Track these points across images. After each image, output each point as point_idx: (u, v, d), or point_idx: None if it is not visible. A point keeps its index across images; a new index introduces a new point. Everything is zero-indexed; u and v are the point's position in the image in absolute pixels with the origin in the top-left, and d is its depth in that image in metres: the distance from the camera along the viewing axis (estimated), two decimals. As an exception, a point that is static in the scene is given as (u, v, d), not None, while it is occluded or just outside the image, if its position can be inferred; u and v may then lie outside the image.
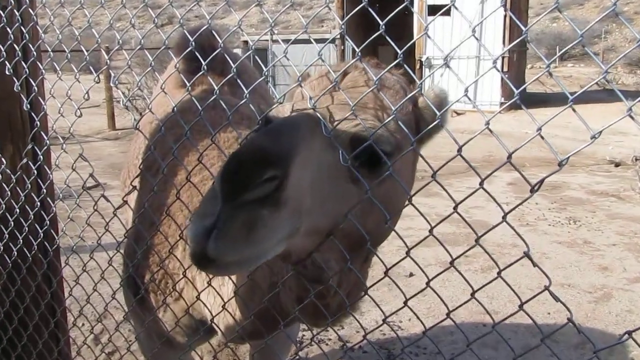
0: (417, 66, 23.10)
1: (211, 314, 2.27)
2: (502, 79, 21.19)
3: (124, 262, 2.68)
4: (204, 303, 2.30)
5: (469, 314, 5.41)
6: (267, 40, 22.69)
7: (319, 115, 1.53)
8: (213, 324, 2.32)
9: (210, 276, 2.20)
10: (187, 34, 2.27)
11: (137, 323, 2.83)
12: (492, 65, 1.39)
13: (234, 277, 2.15)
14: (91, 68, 2.23)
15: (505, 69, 21.93)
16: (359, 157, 1.54)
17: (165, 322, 2.57)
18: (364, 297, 1.90)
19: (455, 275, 5.75)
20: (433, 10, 21.65)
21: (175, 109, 2.14)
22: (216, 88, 1.96)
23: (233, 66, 1.95)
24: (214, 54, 2.05)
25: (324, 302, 1.85)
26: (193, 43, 2.05)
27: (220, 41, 2.03)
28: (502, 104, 20.85)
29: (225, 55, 2.24)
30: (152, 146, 2.32)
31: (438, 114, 1.59)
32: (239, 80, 1.96)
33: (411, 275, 6.38)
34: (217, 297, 2.24)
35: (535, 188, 1.30)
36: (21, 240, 2.77)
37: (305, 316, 1.94)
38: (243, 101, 1.81)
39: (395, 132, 1.60)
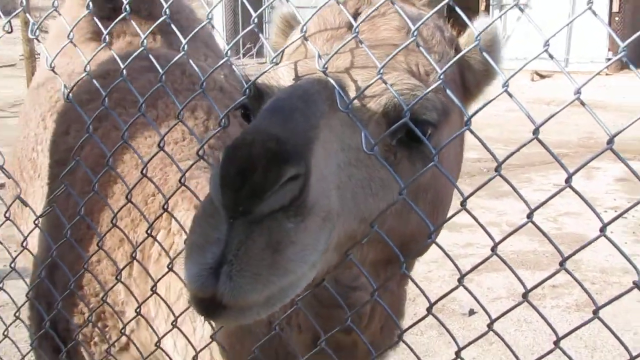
0: (483, 6, 22.97)
1: None
2: (610, 26, 20.76)
3: (32, 309, 2.62)
4: (166, 353, 2.27)
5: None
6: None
7: (332, 81, 1.51)
8: None
9: (177, 313, 2.17)
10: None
11: None
12: (588, 5, 1.39)
13: None
14: None
15: (616, 9, 21.65)
16: (396, 133, 1.54)
17: None
18: (398, 343, 1.89)
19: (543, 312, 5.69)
20: None
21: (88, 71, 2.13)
22: (143, 37, 1.92)
23: (165, 5, 1.91)
24: None
25: (350, 340, 1.84)
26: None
27: None
28: (608, 61, 20.50)
29: None
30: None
31: (495, 67, 1.58)
32: (173, 26, 1.93)
33: (472, 313, 6.34)
34: (187, 345, 2.21)
35: (651, 186, 1.30)
36: None
37: None
38: (179, 54, 1.80)
39: (439, 91, 1.58)
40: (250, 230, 1.26)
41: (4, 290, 2.43)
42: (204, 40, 3.60)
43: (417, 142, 1.55)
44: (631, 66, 1.37)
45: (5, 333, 2.40)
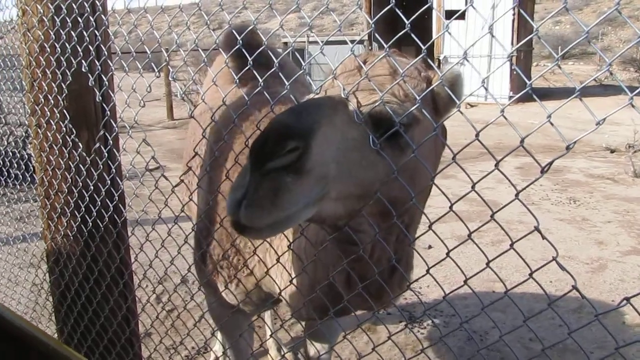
0: (436, 63, 22.84)
1: (279, 287, 2.18)
2: (510, 75, 20.79)
3: (195, 241, 2.65)
4: (272, 278, 2.21)
5: (479, 282, 5.35)
6: (304, 42, 22.65)
7: (349, 101, 1.47)
8: (281, 297, 2.23)
9: (279, 254, 2.12)
10: (235, 32, 2.14)
11: (209, 294, 2.79)
12: (507, 59, 1.35)
13: (302, 256, 2.04)
14: (153, 66, 2.21)
15: (514, 66, 21.58)
16: (380, 130, 1.47)
17: (236, 295, 2.52)
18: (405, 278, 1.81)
19: (469, 247, 5.65)
20: (449, 15, 21.36)
21: (225, 102, 2.08)
22: (260, 80, 1.87)
23: (275, 61, 1.85)
24: (259, 49, 1.93)
25: (362, 269, 1.76)
26: (240, 41, 1.93)
27: (264, 39, 1.93)
28: (510, 97, 20.43)
29: (269, 52, 2.12)
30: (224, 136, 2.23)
31: (453, 97, 1.55)
32: (280, 74, 1.86)
33: (430, 247, 6.31)
34: (284, 273, 2.17)
35: (545, 169, 1.25)
36: (95, 213, 2.80)
37: (357, 297, 1.83)
38: (285, 91, 1.74)
39: (411, 106, 1.52)
40: (261, 180, 1.25)
41: (179, 225, 2.39)
42: (302, 83, 3.58)
43: (395, 137, 1.48)
44: (535, 96, 1.31)
45: (179, 250, 2.37)
